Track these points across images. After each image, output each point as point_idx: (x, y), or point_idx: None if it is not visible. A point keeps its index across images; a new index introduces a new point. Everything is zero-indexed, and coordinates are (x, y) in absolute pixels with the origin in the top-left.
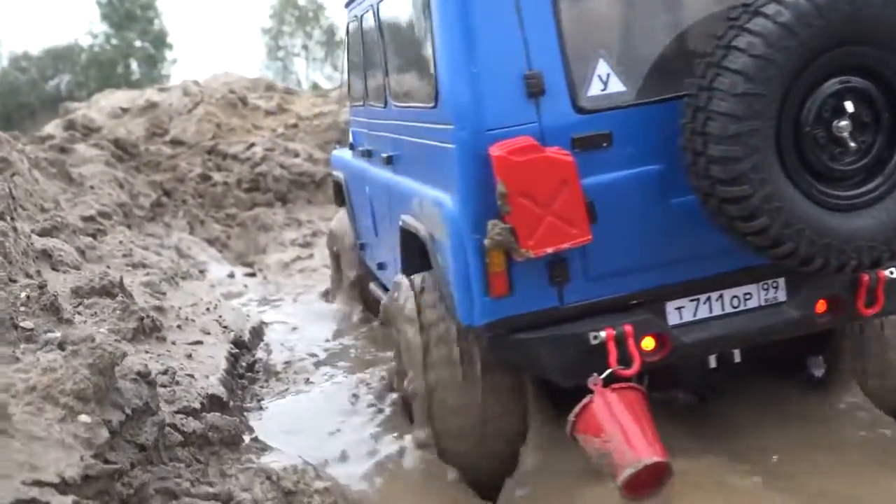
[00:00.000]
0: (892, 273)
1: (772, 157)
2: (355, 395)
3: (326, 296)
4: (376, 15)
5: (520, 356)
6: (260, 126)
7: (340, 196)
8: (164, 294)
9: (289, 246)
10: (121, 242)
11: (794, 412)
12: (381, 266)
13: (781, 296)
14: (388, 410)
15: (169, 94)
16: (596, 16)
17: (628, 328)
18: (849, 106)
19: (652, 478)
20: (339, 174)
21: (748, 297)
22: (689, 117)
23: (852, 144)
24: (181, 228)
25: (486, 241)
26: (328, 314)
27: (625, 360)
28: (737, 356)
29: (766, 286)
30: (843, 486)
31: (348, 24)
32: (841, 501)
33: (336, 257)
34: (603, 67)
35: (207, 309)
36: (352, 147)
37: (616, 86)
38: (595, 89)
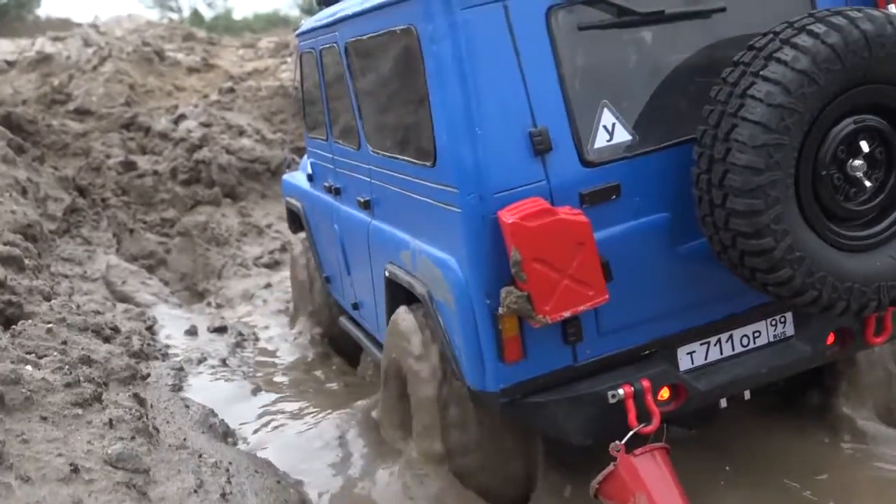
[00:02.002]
0: None
1: (792, 205)
2: None
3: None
4: (344, 54)
5: (535, 419)
6: (183, 87)
7: (296, 223)
8: (146, 473)
9: (252, 268)
10: (49, 332)
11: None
12: (356, 306)
13: (790, 330)
14: None
15: (65, 45)
16: (596, 62)
17: (646, 383)
18: (864, 145)
19: None
20: (295, 202)
21: (757, 334)
22: (704, 167)
23: (867, 183)
24: (106, 245)
25: (501, 310)
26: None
27: (644, 415)
28: (747, 394)
29: (773, 322)
30: None
31: (301, 53)
32: None
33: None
34: (608, 117)
35: (223, 496)
36: (310, 178)
37: (622, 135)
38: (601, 140)
